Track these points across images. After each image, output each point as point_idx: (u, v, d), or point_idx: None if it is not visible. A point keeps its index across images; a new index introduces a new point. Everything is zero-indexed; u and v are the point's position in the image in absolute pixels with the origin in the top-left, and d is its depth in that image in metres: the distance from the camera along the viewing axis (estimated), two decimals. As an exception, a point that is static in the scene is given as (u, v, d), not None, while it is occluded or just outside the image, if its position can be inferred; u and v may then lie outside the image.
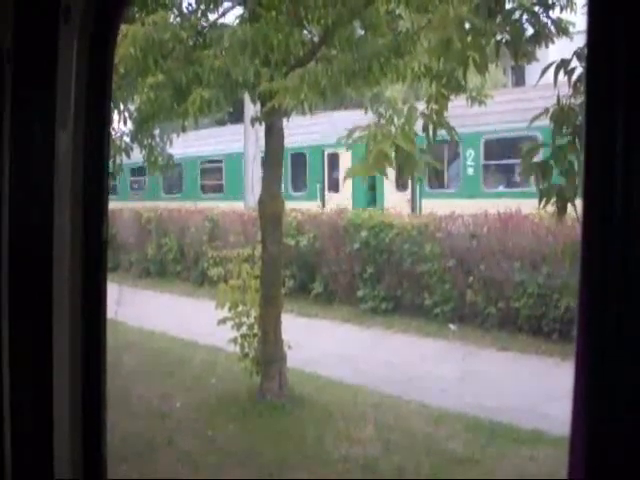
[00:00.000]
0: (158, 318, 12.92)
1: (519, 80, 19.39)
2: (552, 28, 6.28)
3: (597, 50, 1.32)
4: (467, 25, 6.19)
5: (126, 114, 9.46)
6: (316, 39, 8.74)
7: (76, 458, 2.02)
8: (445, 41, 6.11)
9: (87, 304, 2.04)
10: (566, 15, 6.58)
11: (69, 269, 2.01)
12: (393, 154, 6.66)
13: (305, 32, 8.55)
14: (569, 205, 5.61)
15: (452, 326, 11.94)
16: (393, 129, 6.77)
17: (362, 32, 8.57)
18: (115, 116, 9.22)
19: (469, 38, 6.16)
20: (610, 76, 1.27)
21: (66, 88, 1.96)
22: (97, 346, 2.09)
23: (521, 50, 6.30)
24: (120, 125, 9.82)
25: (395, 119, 6.83)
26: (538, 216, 11.18)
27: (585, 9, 1.40)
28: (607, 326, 1.29)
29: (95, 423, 2.08)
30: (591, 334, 1.33)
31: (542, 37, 6.25)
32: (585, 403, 1.33)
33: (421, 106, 7.10)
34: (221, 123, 26.97)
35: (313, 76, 7.49)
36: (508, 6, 6.42)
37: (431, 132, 6.76)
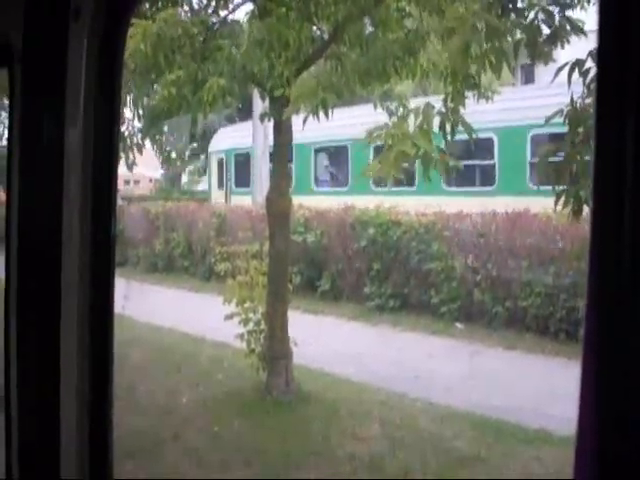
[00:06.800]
0: (165, 313, 12.94)
1: (529, 79, 19.30)
2: (568, 27, 6.25)
3: (607, 50, 1.31)
4: (482, 24, 6.18)
5: (140, 111, 9.44)
6: (325, 36, 8.74)
7: (82, 458, 2.03)
8: (464, 44, 6.11)
9: (95, 299, 2.05)
10: (576, 14, 6.56)
11: (78, 265, 2.03)
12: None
13: (314, 29, 8.54)
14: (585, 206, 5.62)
15: (459, 325, 11.93)
16: (410, 127, 6.76)
17: (372, 29, 8.57)
18: (128, 113, 9.21)
19: (486, 41, 6.16)
20: (621, 76, 1.27)
21: (76, 86, 1.97)
22: (105, 343, 2.10)
23: (538, 50, 6.29)
24: (135, 122, 9.81)
25: (412, 117, 6.81)
26: (546, 215, 11.18)
27: (596, 7, 1.40)
28: (615, 327, 1.29)
29: (102, 423, 2.09)
30: (599, 335, 1.32)
31: (558, 37, 6.23)
32: (592, 404, 1.33)
33: (425, 101, 7.11)
34: (230, 119, 27.01)
35: (328, 79, 7.51)
36: (520, 5, 6.41)
37: (449, 130, 6.76)
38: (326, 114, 7.62)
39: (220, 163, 23.73)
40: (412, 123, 6.84)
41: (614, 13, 1.29)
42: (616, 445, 1.30)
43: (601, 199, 1.32)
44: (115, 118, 2.12)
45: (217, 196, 23.29)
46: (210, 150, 24.66)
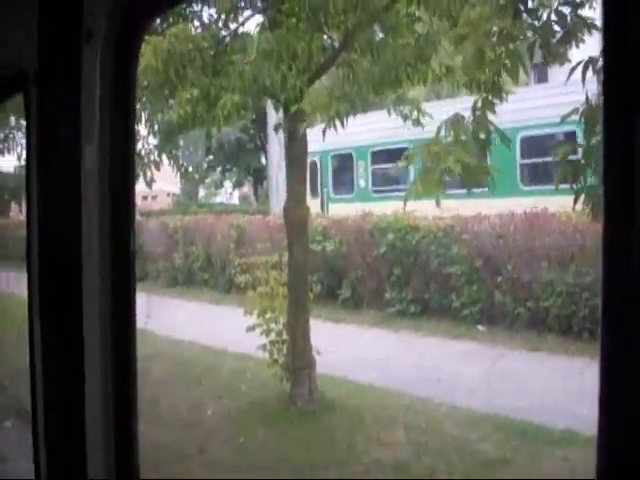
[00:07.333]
0: (186, 327, 12.97)
1: (542, 78, 19.25)
2: (581, 26, 6.22)
3: (613, 49, 1.32)
4: (495, 29, 6.17)
5: (155, 127, 9.49)
6: (336, 44, 8.77)
7: (109, 459, 2.07)
8: (478, 51, 6.09)
9: (117, 315, 2.08)
10: (586, 12, 6.54)
11: (99, 279, 2.06)
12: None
13: (325, 37, 8.58)
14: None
15: (481, 327, 11.88)
16: (444, 140, 6.70)
17: (382, 35, 8.59)
18: (143, 130, 9.26)
19: (500, 45, 6.16)
20: (626, 73, 1.27)
21: (90, 107, 2.00)
22: (128, 353, 2.14)
23: (552, 51, 6.27)
24: (150, 138, 9.85)
25: (442, 131, 6.74)
26: (565, 214, 11.12)
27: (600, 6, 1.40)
28: (623, 326, 1.30)
29: (127, 423, 2.13)
30: (610, 333, 1.33)
31: (572, 37, 6.21)
32: (605, 402, 1.33)
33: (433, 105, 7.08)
34: (245, 131, 27.10)
35: (341, 89, 7.55)
36: (531, 5, 6.39)
37: (482, 137, 6.68)
38: (342, 124, 7.68)
39: (313, 167, 19.90)
40: (442, 134, 6.76)
41: (617, 9, 1.30)
42: (626, 444, 1.30)
43: (612, 198, 1.33)
44: (130, 135, 2.16)
45: (310, 205, 20.01)
46: None
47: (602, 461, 1.33)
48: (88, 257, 2.04)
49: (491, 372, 9.52)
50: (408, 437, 7.83)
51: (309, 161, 20.20)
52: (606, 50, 1.32)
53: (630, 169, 1.26)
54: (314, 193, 20.09)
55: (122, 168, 2.09)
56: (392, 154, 16.58)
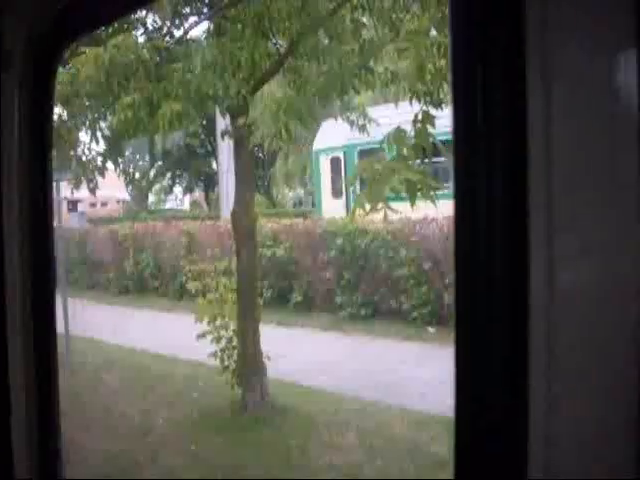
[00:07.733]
0: (138, 335, 12.89)
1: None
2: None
3: (460, 78, 1.37)
4: (435, 42, 6.24)
5: (98, 134, 9.39)
6: (282, 50, 8.79)
7: (33, 461, 2.18)
8: (419, 65, 6.15)
9: (38, 319, 2.20)
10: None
11: (20, 287, 2.16)
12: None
13: (271, 44, 8.59)
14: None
15: (430, 329, 12.00)
16: (387, 155, 6.71)
17: (327, 41, 8.63)
18: (86, 137, 9.17)
19: (441, 60, 6.22)
20: (473, 104, 1.32)
21: (9, 124, 2.11)
22: (49, 358, 2.25)
23: None
24: (93, 145, 9.73)
25: (384, 144, 6.72)
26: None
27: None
28: (478, 316, 1.36)
29: (50, 426, 2.24)
30: (465, 324, 1.40)
31: None
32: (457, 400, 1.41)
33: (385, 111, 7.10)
34: (195, 136, 27.00)
35: (288, 102, 7.57)
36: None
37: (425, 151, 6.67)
38: (290, 138, 7.69)
39: (335, 164, 18.80)
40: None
41: (464, 40, 1.34)
42: (471, 442, 1.37)
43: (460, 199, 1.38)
44: (48, 152, 2.29)
45: (332, 207, 17.98)
46: (316, 148, 18.66)
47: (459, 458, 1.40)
48: (10, 266, 2.11)
49: (441, 373, 9.59)
50: (360, 440, 7.88)
51: (331, 157, 18.69)
52: (454, 81, 1.37)
53: (473, 193, 1.32)
54: (336, 193, 18.70)
55: (40, 182, 2.21)
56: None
